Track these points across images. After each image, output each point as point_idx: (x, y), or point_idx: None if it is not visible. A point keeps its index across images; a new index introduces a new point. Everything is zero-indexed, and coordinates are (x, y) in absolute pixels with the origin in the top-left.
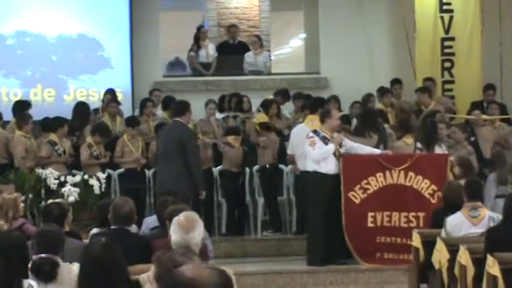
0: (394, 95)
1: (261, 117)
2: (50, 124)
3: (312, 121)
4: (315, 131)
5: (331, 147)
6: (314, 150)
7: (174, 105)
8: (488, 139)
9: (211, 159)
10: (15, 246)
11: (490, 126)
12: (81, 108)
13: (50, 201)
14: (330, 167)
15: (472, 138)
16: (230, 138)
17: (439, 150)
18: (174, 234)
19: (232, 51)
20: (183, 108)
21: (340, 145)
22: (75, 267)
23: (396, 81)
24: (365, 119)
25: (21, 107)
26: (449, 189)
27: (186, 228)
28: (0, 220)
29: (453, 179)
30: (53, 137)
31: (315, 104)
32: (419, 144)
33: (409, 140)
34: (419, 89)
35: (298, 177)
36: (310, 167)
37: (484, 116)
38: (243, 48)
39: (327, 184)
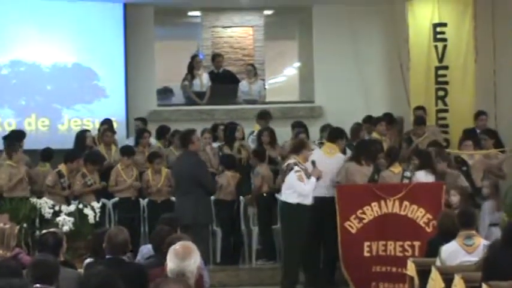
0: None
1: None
2: (66, 155)
3: (330, 149)
4: (296, 164)
5: (313, 180)
6: (306, 186)
7: (179, 137)
8: (480, 168)
9: None
10: (11, 275)
11: (482, 156)
12: (78, 136)
13: (45, 230)
14: (309, 198)
15: (464, 168)
16: (229, 174)
17: (427, 177)
18: (170, 263)
19: (219, 80)
20: (185, 139)
21: (318, 178)
22: None
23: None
24: (359, 148)
25: (15, 137)
26: (444, 217)
27: (182, 256)
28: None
29: (447, 208)
30: (62, 168)
31: (333, 133)
32: (407, 173)
33: (396, 169)
34: (415, 121)
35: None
36: (292, 199)
37: (479, 152)
38: (229, 76)
39: (307, 215)
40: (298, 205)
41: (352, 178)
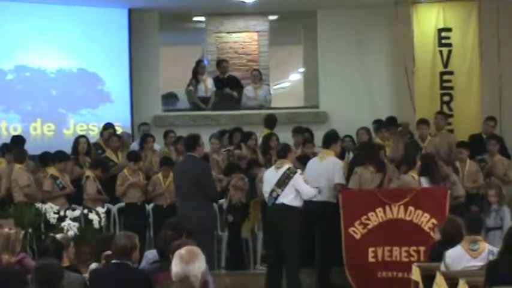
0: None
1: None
2: (49, 158)
3: (323, 154)
4: (296, 167)
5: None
6: (312, 188)
7: (185, 140)
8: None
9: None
10: (16, 280)
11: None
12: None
13: (51, 234)
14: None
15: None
16: (235, 179)
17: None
18: (175, 266)
19: (224, 85)
20: (193, 142)
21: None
22: None
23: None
24: (365, 151)
25: (21, 142)
26: (447, 223)
27: (186, 260)
28: (4, 254)
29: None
30: (53, 171)
31: (326, 139)
32: (422, 179)
33: (415, 175)
34: (418, 121)
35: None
36: (297, 202)
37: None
38: (234, 82)
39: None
40: (301, 209)
41: (365, 185)
